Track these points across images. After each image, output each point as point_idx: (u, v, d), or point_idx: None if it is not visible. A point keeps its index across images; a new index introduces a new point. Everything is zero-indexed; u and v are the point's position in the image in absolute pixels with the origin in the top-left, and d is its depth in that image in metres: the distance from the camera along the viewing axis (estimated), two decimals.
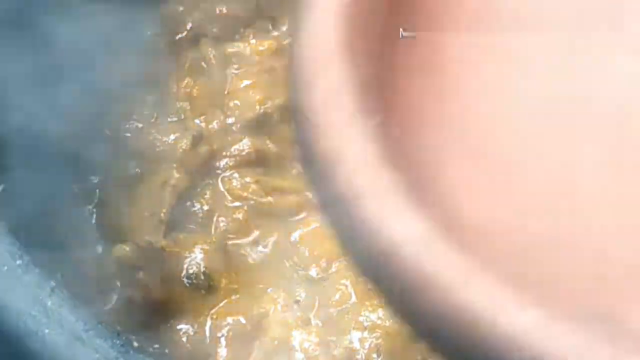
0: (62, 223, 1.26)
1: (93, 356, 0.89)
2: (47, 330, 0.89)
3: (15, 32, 1.28)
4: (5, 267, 0.92)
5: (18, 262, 0.92)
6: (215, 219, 1.27)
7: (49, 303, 0.90)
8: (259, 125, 1.33)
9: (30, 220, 1.26)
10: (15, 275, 0.91)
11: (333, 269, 1.20)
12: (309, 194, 1.27)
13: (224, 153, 1.30)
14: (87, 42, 1.39)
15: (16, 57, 1.26)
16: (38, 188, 1.29)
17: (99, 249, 1.23)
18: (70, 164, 1.31)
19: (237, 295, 1.18)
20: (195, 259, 1.20)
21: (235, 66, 1.39)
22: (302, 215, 1.26)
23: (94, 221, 1.26)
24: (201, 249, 1.21)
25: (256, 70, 1.38)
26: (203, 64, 1.38)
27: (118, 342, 0.91)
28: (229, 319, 1.15)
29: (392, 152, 0.68)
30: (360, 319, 1.13)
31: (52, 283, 0.92)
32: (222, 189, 1.30)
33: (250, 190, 1.29)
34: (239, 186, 1.30)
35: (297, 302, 1.16)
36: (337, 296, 1.17)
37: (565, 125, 0.73)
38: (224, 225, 1.26)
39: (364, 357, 1.11)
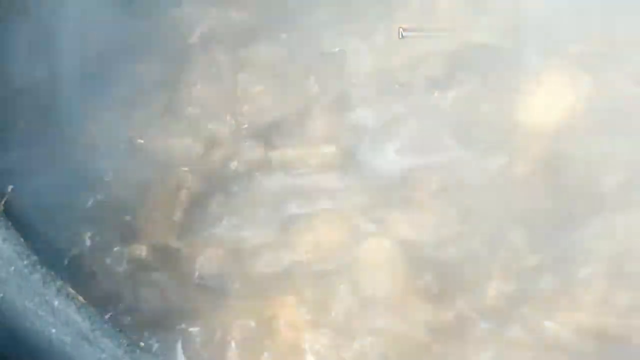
0: (73, 224, 1.28)
1: (100, 355, 0.89)
2: (53, 330, 0.89)
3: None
4: (12, 267, 0.92)
5: (25, 262, 0.93)
6: (228, 222, 1.28)
7: (56, 303, 0.90)
8: (271, 131, 1.34)
9: (39, 220, 1.28)
10: (22, 275, 0.92)
11: (341, 270, 1.21)
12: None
13: (237, 157, 1.31)
14: (98, 47, 1.41)
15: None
16: (48, 188, 1.31)
17: (114, 249, 1.25)
18: (83, 167, 1.34)
19: (248, 299, 1.18)
20: (208, 262, 1.21)
21: (246, 71, 1.40)
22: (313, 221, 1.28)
23: (107, 221, 1.28)
24: (214, 251, 1.22)
25: (267, 76, 1.39)
26: (214, 69, 1.39)
27: (125, 341, 0.91)
28: (239, 322, 1.15)
29: None
30: (370, 323, 1.14)
31: (59, 283, 0.92)
32: (235, 192, 1.31)
33: None
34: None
35: (307, 304, 1.16)
36: (347, 299, 1.18)
37: None
38: (237, 229, 1.28)
39: None
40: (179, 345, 1.15)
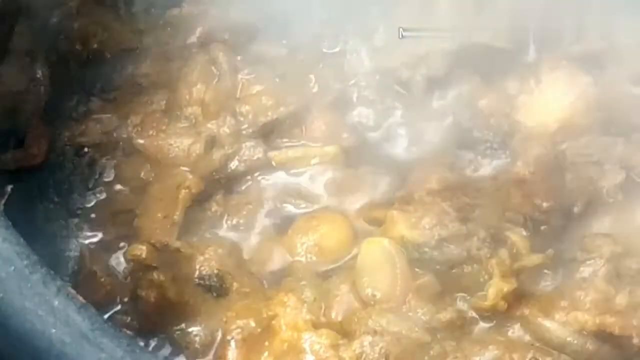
0: (73, 224, 1.28)
1: (99, 355, 0.89)
2: (53, 330, 0.89)
3: None
4: (12, 267, 0.92)
5: (25, 261, 0.92)
6: (228, 222, 1.29)
7: (56, 303, 0.90)
8: (271, 130, 1.34)
9: (39, 220, 1.28)
10: (22, 275, 0.92)
11: (342, 270, 1.21)
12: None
13: (237, 157, 1.31)
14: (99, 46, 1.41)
15: None
16: (47, 188, 1.31)
17: (114, 248, 1.25)
18: (84, 167, 1.34)
19: (248, 299, 1.18)
20: (208, 262, 1.21)
21: (246, 71, 1.40)
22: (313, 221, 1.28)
23: (107, 221, 1.28)
24: (214, 251, 1.21)
25: (267, 76, 1.39)
26: (214, 68, 1.39)
27: (125, 341, 0.91)
28: (240, 322, 1.15)
29: None
30: (370, 323, 1.13)
31: (59, 283, 0.92)
32: (235, 192, 1.31)
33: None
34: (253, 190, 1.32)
35: (307, 304, 1.16)
36: (347, 299, 1.18)
37: None
38: (237, 229, 1.28)
39: None
40: (179, 346, 1.15)
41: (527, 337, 1.14)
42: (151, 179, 1.31)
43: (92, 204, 1.30)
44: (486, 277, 1.16)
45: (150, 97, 1.38)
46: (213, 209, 1.28)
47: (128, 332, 1.13)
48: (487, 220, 1.21)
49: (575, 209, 1.22)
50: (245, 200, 1.30)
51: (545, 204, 1.20)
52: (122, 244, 1.24)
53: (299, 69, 1.40)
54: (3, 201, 1.06)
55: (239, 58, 1.40)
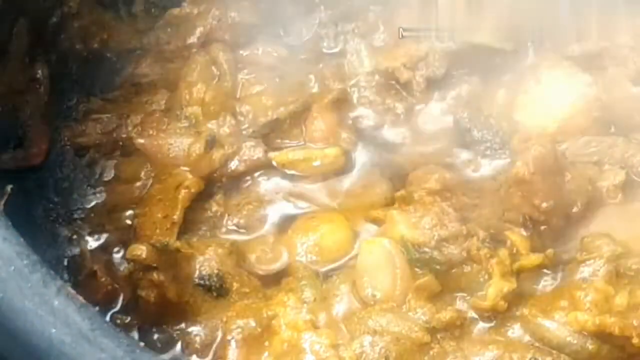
0: (73, 224, 1.28)
1: (99, 355, 0.89)
2: (53, 330, 0.89)
3: None
4: (12, 267, 0.92)
5: (25, 261, 0.92)
6: (228, 222, 1.29)
7: (56, 303, 0.90)
8: (271, 130, 1.35)
9: (38, 220, 1.28)
10: (22, 275, 0.92)
11: (342, 270, 1.22)
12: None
13: (237, 157, 1.31)
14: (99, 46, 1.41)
15: None
16: (47, 188, 1.31)
17: (114, 249, 1.26)
18: (84, 167, 1.34)
19: (248, 299, 1.18)
20: (208, 262, 1.21)
21: (246, 71, 1.40)
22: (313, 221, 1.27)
23: (107, 221, 1.29)
24: (214, 251, 1.21)
25: (267, 76, 1.39)
26: (214, 68, 1.39)
27: (125, 341, 0.91)
28: (240, 322, 1.15)
29: None
30: (370, 323, 1.13)
31: (59, 283, 0.92)
32: (235, 192, 1.31)
33: None
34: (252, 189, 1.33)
35: (307, 304, 1.16)
36: (347, 299, 1.18)
37: None
38: (237, 229, 1.28)
39: None
40: (179, 345, 1.15)
41: (527, 337, 1.14)
42: (151, 179, 1.31)
43: (92, 204, 1.30)
44: (486, 277, 1.16)
45: (150, 97, 1.39)
46: (213, 209, 1.28)
47: (128, 332, 1.13)
48: (487, 220, 1.21)
49: (575, 209, 1.22)
50: (245, 200, 1.30)
51: (545, 204, 1.20)
52: (122, 244, 1.24)
53: (299, 69, 1.40)
54: (3, 201, 1.05)
55: (239, 58, 1.41)
